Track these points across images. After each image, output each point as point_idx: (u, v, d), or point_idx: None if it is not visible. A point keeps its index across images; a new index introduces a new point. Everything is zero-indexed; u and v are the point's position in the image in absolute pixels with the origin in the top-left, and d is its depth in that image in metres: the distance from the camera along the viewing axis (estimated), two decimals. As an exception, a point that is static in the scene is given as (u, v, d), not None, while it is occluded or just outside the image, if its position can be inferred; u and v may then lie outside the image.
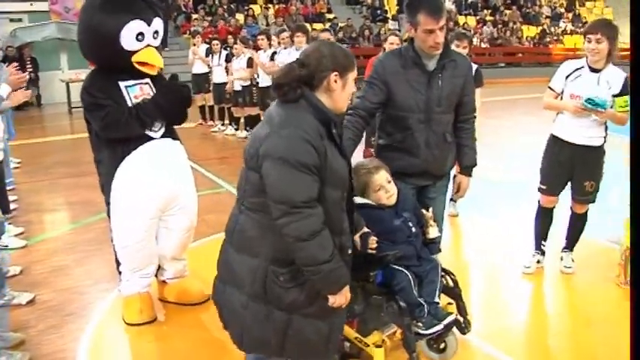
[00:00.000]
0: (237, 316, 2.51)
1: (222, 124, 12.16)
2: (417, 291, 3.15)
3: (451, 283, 3.40)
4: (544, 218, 4.59)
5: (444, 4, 3.38)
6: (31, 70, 16.03)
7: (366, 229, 2.95)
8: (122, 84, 3.74)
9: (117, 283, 4.15)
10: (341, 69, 2.42)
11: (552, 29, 28.66)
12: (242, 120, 11.41)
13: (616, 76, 4.14)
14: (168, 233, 4.01)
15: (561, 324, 4.10)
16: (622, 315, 4.07)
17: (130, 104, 3.70)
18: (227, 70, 11.33)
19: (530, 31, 27.84)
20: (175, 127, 4.05)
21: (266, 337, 2.46)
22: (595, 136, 4.24)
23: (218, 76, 11.59)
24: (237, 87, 10.75)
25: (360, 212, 2.92)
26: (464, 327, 3.35)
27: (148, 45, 3.76)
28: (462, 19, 25.93)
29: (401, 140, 3.49)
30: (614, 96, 4.08)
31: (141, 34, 3.69)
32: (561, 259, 4.68)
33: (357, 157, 3.62)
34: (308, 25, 13.56)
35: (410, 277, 3.12)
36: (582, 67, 4.21)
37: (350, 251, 2.56)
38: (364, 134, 3.71)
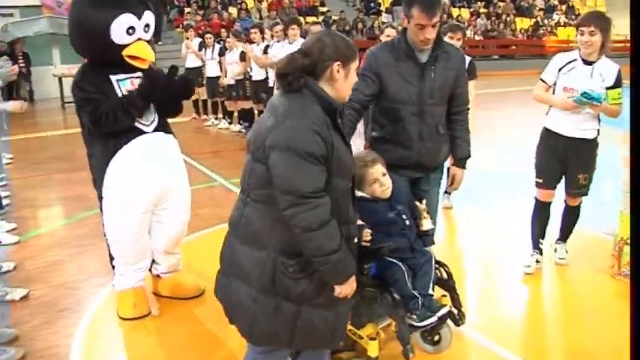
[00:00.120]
0: (245, 309, 2.48)
1: (216, 118, 12.16)
2: (411, 283, 3.15)
3: (445, 275, 3.40)
4: (541, 215, 4.53)
5: (440, 1, 3.36)
6: (23, 65, 15.96)
7: (360, 222, 2.95)
8: (113, 78, 3.73)
9: (111, 277, 4.14)
10: (343, 59, 2.41)
11: (546, 21, 28.70)
12: (235, 114, 11.40)
13: (609, 69, 4.13)
14: (161, 227, 4.01)
15: (555, 315, 4.12)
16: (616, 306, 4.10)
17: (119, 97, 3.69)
18: (220, 64, 11.30)
19: (523, 24, 27.89)
20: (169, 120, 4.04)
21: (275, 329, 2.45)
22: (589, 129, 4.23)
23: (211, 70, 11.56)
24: (231, 81, 10.72)
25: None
26: (458, 319, 3.35)
27: (139, 39, 3.73)
28: (455, 12, 25.95)
29: (394, 132, 3.49)
30: (608, 88, 4.07)
31: (131, 27, 3.66)
32: (555, 250, 4.69)
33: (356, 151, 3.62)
34: (301, 19, 13.51)
35: (404, 269, 3.12)
36: (575, 60, 4.19)
37: (356, 240, 2.56)
38: (364, 128, 3.70)
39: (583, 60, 4.15)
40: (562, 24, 28.63)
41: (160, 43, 16.71)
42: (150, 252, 4.05)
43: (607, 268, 4.51)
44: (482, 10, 27.60)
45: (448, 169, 3.82)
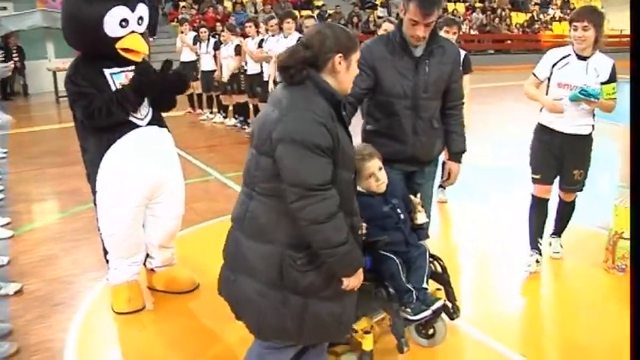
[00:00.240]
0: (252, 304, 2.47)
1: (211, 112, 12.12)
2: (406, 277, 3.15)
3: (439, 269, 3.40)
4: (539, 213, 4.47)
5: (440, 2, 3.33)
6: (17, 59, 15.88)
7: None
8: (107, 71, 3.71)
9: (105, 272, 4.13)
10: (345, 50, 2.41)
11: (541, 16, 28.71)
12: (230, 108, 11.37)
13: (603, 64, 4.10)
14: (155, 221, 4.00)
15: (549, 309, 4.13)
16: (610, 299, 4.11)
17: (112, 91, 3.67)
18: (215, 57, 11.27)
19: (519, 18, 27.89)
20: (163, 114, 4.03)
21: (284, 323, 2.44)
22: (583, 125, 4.20)
23: (206, 64, 11.53)
24: (225, 74, 10.69)
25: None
26: (452, 312, 3.36)
27: (133, 31, 3.71)
28: (451, 6, 25.90)
29: (388, 126, 3.48)
30: (602, 83, 4.05)
31: (125, 20, 3.64)
32: (550, 244, 4.69)
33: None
34: (296, 12, 13.48)
35: (398, 263, 3.12)
36: (569, 55, 4.15)
37: (360, 232, 2.56)
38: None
39: (577, 55, 4.11)
40: (557, 19, 28.64)
41: (154, 37, 16.66)
42: (144, 246, 4.05)
43: (601, 262, 4.52)
44: (477, 4, 27.58)
45: (443, 163, 3.82)
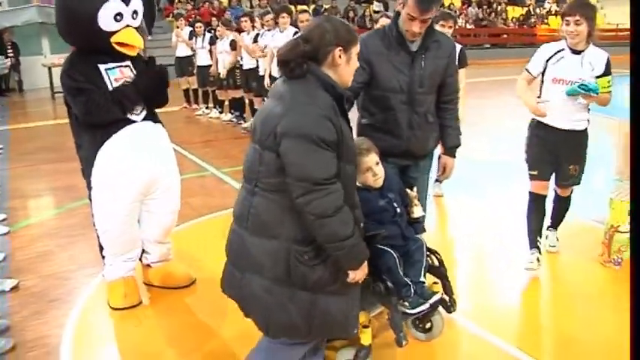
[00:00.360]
0: (259, 301, 2.46)
1: (207, 107, 12.11)
2: (403, 271, 3.15)
3: (436, 263, 3.40)
4: (537, 210, 4.38)
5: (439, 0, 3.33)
6: (12, 55, 15.83)
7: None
8: (102, 67, 3.68)
9: (101, 268, 4.12)
10: (344, 43, 2.41)
11: (537, 10, 28.70)
12: (226, 103, 11.36)
13: (598, 57, 4.06)
14: (150, 217, 3.99)
15: (546, 302, 4.13)
16: (606, 293, 4.13)
17: (110, 87, 3.65)
18: (211, 52, 11.24)
19: (515, 12, 27.89)
20: (159, 110, 4.01)
21: (292, 319, 2.43)
22: (579, 120, 4.17)
23: (202, 59, 11.50)
24: (221, 70, 10.67)
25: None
26: (449, 306, 3.36)
27: (127, 25, 3.69)
28: (447, 0, 25.87)
29: (383, 120, 3.47)
30: (597, 77, 4.01)
31: (119, 14, 3.62)
32: (546, 237, 4.68)
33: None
34: (292, 7, 13.44)
35: (396, 257, 3.12)
36: (563, 50, 4.10)
37: (362, 224, 2.56)
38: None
39: (571, 49, 4.06)
40: (553, 12, 28.64)
41: (149, 37, 16.60)
42: (139, 242, 4.04)
43: (597, 256, 4.53)
44: (473, -2, 27.57)
45: (439, 157, 3.81)
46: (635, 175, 2.42)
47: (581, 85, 3.94)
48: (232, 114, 11.10)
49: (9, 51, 15.60)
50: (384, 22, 5.99)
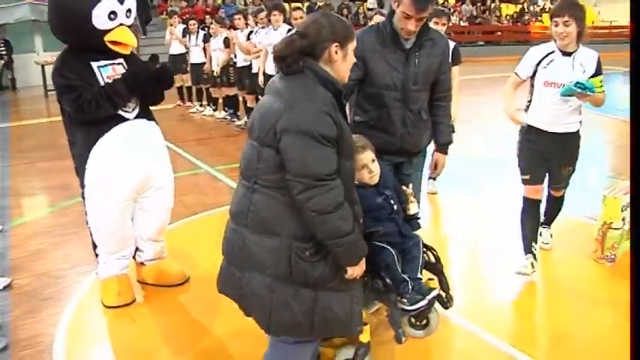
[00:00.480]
0: (261, 300, 2.44)
1: (201, 105, 12.08)
2: (400, 267, 3.16)
3: (433, 259, 3.41)
4: (532, 215, 4.27)
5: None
6: (4, 53, 15.75)
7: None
8: (94, 64, 3.68)
9: (95, 266, 4.11)
10: (341, 39, 2.41)
11: (531, 8, 28.75)
12: (220, 100, 11.33)
13: (589, 58, 3.97)
14: (143, 215, 3.98)
15: (539, 299, 4.14)
16: (599, 289, 4.14)
17: (102, 85, 3.64)
18: (204, 50, 11.22)
19: (509, 10, 27.92)
20: (153, 107, 4.01)
21: (294, 317, 2.41)
22: (572, 122, 4.08)
23: (195, 57, 11.47)
24: (215, 68, 10.65)
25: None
26: (446, 302, 3.37)
27: (121, 24, 3.68)
28: (441, -2, 25.88)
29: (377, 118, 3.48)
30: (589, 78, 3.89)
31: (113, 12, 3.61)
32: (540, 234, 4.67)
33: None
34: (285, 5, 13.42)
35: (394, 253, 3.12)
36: (553, 52, 3.97)
37: (361, 220, 2.56)
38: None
39: (561, 51, 3.95)
40: (547, 10, 28.64)
41: (143, 36, 16.57)
42: (133, 240, 4.03)
43: (590, 253, 4.54)
44: (467, -4, 27.59)
45: (432, 154, 3.82)
46: (635, 175, 2.42)
47: (578, 83, 3.79)
48: (226, 111, 11.08)
49: (1, 49, 15.52)
50: (378, 19, 5.99)
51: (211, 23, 11.32)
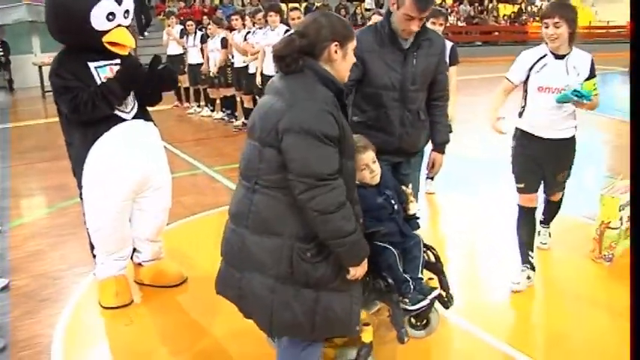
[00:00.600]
0: (262, 301, 2.43)
1: (198, 106, 12.08)
2: (402, 267, 3.16)
3: (433, 259, 3.41)
4: (527, 223, 4.13)
5: None
6: (2, 54, 15.73)
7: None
8: (92, 65, 3.68)
9: (92, 267, 4.11)
10: (341, 39, 2.41)
11: (529, 8, 28.78)
12: (218, 101, 11.33)
13: (582, 61, 3.86)
14: (141, 215, 3.98)
15: (537, 299, 4.13)
16: (597, 289, 4.14)
17: (98, 85, 3.64)
18: (202, 51, 11.21)
19: (506, 10, 27.93)
20: (150, 108, 4.00)
21: (295, 318, 2.41)
22: (567, 128, 3.98)
23: (193, 57, 11.46)
24: (212, 68, 10.65)
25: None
26: (447, 301, 3.37)
27: (119, 25, 3.68)
28: (438, -2, 25.89)
29: (375, 118, 3.49)
30: (584, 80, 3.80)
31: (112, 13, 3.60)
32: (539, 233, 4.66)
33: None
34: (284, 6, 13.43)
35: (396, 253, 3.13)
36: (546, 56, 3.83)
37: (361, 220, 2.55)
38: None
39: (554, 54, 3.81)
40: (544, 10, 28.72)
41: (141, 37, 16.56)
42: (131, 240, 4.03)
43: (588, 252, 4.54)
44: (465, -4, 27.61)
45: (430, 153, 3.83)
46: (635, 174, 2.42)
47: (574, 91, 3.69)
48: (224, 112, 11.08)
49: (-1, 50, 15.52)
50: (376, 19, 6.00)
51: (209, 24, 11.30)
